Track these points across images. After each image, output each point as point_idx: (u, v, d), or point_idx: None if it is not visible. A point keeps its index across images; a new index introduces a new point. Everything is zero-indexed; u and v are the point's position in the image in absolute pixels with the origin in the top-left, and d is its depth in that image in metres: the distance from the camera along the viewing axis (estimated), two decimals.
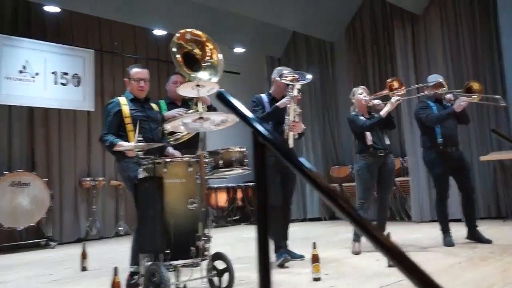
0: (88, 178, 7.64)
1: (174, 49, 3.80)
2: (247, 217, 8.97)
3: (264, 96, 4.36)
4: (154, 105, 3.86)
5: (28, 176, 6.68)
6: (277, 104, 4.11)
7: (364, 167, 4.56)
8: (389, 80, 4.85)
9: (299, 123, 4.09)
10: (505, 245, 4.43)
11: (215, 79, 4.13)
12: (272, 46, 8.91)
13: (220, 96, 1.30)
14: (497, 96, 4.93)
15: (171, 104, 4.19)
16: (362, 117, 4.67)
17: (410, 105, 6.93)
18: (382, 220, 4.71)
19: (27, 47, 6.75)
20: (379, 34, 7.97)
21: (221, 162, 3.39)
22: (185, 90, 3.13)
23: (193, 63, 4.03)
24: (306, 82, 3.99)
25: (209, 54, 3.69)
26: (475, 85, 4.81)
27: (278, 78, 4.14)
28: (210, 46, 3.70)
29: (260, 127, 1.24)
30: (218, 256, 3.22)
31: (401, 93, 4.66)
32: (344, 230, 4.74)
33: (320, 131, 8.71)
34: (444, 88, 4.74)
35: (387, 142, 4.69)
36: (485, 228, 5.60)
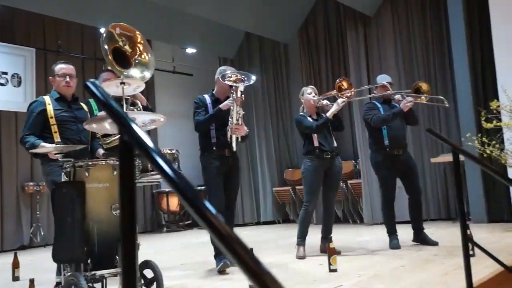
0: (31, 183, 7.27)
1: (105, 45, 3.60)
2: None
3: (207, 96, 4.20)
4: (83, 105, 3.62)
5: None
6: (220, 106, 3.96)
7: (310, 169, 4.46)
8: (337, 80, 4.77)
9: (242, 126, 3.97)
10: (451, 246, 4.39)
11: (147, 77, 3.94)
12: (224, 47, 8.75)
13: (88, 88, 1.13)
14: (441, 97, 4.92)
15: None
16: (309, 118, 4.55)
17: (362, 106, 6.90)
18: (328, 223, 4.62)
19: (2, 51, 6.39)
20: (332, 35, 7.93)
21: (150, 165, 3.19)
22: (110, 88, 2.92)
23: (123, 60, 3.82)
24: (249, 83, 3.86)
25: (139, 52, 3.51)
26: (423, 86, 4.78)
27: (221, 79, 3.97)
28: (141, 43, 3.52)
29: (130, 123, 1.07)
30: (146, 264, 3.02)
31: (349, 94, 4.58)
32: (295, 234, 4.61)
33: (274, 133, 8.59)
34: (388, 92, 4.69)
35: (335, 144, 4.59)
36: (434, 230, 5.64)
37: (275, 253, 4.91)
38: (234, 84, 3.79)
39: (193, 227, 8.70)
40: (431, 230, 5.83)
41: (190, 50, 8.62)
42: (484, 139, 5.58)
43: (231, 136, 3.94)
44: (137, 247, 2.95)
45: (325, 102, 4.54)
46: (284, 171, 8.50)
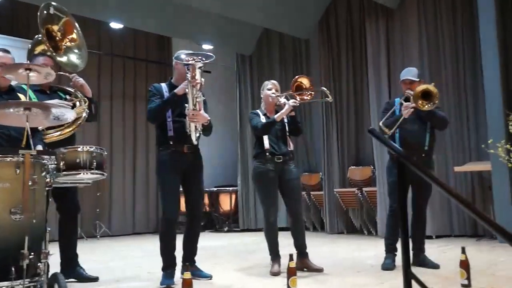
0: None
1: (41, 28, 3.31)
2: (213, 224, 8.39)
3: (164, 85, 3.70)
4: (21, 96, 3.31)
5: None
6: (175, 90, 3.47)
7: (259, 173, 3.98)
8: (297, 77, 4.20)
9: (199, 113, 3.41)
10: (454, 272, 3.69)
11: (82, 65, 3.62)
12: (242, 43, 8.33)
13: None
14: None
15: (39, 92, 3.54)
16: (263, 117, 4.04)
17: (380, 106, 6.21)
18: (297, 236, 4.04)
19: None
20: (354, 29, 7.26)
21: (62, 164, 2.82)
22: (11, 74, 2.57)
23: (53, 43, 3.49)
24: (206, 61, 3.32)
25: (70, 36, 3.18)
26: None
27: (175, 60, 3.51)
28: (71, 25, 3.20)
29: None
30: (55, 278, 2.66)
31: (308, 98, 4.07)
32: (286, 244, 4.14)
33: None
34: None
35: (290, 148, 4.07)
36: (452, 247, 5.04)
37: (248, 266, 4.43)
38: (189, 63, 3.27)
39: (205, 230, 8.33)
40: (448, 247, 5.14)
41: (206, 46, 8.31)
42: (508, 146, 4.82)
43: (189, 125, 3.43)
44: (46, 256, 2.63)
45: (283, 100, 3.99)
46: (301, 175, 7.95)
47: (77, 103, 3.49)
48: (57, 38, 3.26)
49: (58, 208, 3.60)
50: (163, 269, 3.53)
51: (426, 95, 3.88)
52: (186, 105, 3.39)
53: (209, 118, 3.53)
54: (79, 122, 3.46)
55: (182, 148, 3.51)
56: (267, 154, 3.94)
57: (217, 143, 8.17)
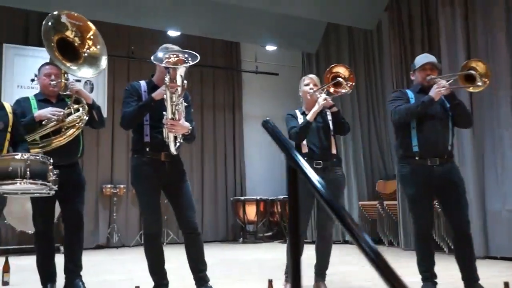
0: (109, 185, 7.47)
1: (49, 35, 3.29)
2: (283, 234, 7.98)
3: (143, 83, 3.20)
4: (7, 105, 3.15)
5: None
6: (153, 94, 3.01)
7: None
8: (331, 66, 3.60)
9: (178, 123, 2.93)
10: None
11: (95, 73, 3.52)
12: (306, 41, 7.91)
13: None
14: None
15: (43, 102, 3.40)
16: (301, 117, 3.54)
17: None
18: (322, 254, 3.49)
19: (39, 56, 6.73)
20: (430, 11, 6.37)
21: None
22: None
23: (70, 52, 3.47)
24: (189, 64, 2.84)
25: (90, 43, 3.10)
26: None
27: (155, 61, 2.95)
28: (91, 33, 3.12)
29: None
30: None
31: (344, 90, 3.49)
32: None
33: (364, 136, 7.42)
34: (432, 76, 3.37)
35: (333, 151, 3.50)
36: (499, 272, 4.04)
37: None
38: (171, 66, 2.79)
39: (274, 240, 7.99)
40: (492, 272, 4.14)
41: (270, 48, 7.99)
42: None
43: (168, 135, 2.99)
44: None
45: (321, 95, 3.45)
46: (376, 182, 7.25)
47: (80, 109, 3.37)
48: (76, 44, 3.20)
49: (62, 217, 3.52)
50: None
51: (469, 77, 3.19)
52: (164, 112, 2.93)
53: (190, 127, 3.05)
54: (77, 126, 3.34)
55: (159, 156, 3.05)
56: (305, 159, 3.45)
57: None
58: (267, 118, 1.36)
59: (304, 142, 3.45)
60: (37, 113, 3.28)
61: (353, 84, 3.53)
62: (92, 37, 3.46)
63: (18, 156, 2.70)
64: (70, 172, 3.34)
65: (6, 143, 3.02)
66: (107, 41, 7.34)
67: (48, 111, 3.28)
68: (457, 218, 3.20)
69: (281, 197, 7.85)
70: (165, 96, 2.90)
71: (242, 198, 7.89)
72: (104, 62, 3.49)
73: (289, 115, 3.58)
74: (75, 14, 3.37)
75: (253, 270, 4.80)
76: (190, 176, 7.97)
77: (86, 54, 3.41)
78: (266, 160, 8.56)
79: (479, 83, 3.25)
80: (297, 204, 1.18)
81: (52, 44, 3.37)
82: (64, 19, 3.34)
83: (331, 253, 3.52)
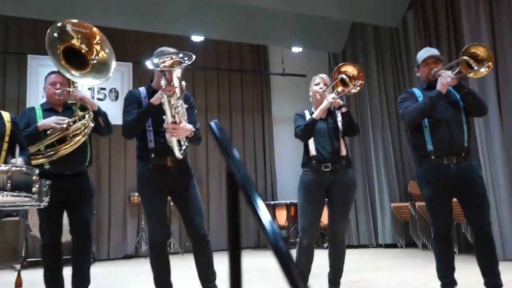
0: (137, 194, 7.48)
1: (54, 45, 3.30)
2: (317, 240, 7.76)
3: (142, 89, 3.14)
4: (5, 114, 3.13)
5: None
6: (151, 100, 2.95)
7: (302, 186, 3.35)
8: (340, 65, 3.48)
9: (179, 126, 2.86)
10: None
11: (102, 81, 3.49)
12: (332, 41, 7.74)
13: None
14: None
15: (49, 111, 3.39)
16: (310, 117, 3.41)
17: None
18: (334, 260, 3.34)
19: None
20: (455, 5, 6.12)
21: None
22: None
23: (78, 60, 3.46)
24: (185, 65, 2.76)
25: (98, 49, 3.09)
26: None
27: (150, 66, 2.82)
28: (97, 38, 3.11)
29: None
30: None
31: (352, 89, 3.36)
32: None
33: (394, 136, 7.17)
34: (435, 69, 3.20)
35: (343, 153, 3.35)
36: None
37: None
38: (167, 69, 2.71)
39: None
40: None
41: (296, 49, 7.84)
42: None
43: (170, 140, 2.92)
44: None
45: (330, 95, 3.31)
46: (409, 183, 6.96)
47: (86, 116, 3.35)
48: (83, 51, 3.19)
49: (70, 227, 3.43)
50: None
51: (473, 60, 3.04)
52: (164, 117, 2.87)
53: (193, 129, 2.96)
54: (83, 133, 3.31)
55: (164, 162, 2.98)
56: (313, 162, 3.33)
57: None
58: (215, 120, 1.28)
59: (312, 145, 3.35)
60: (41, 122, 3.27)
61: (362, 82, 3.39)
62: (99, 42, 3.41)
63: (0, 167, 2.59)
64: (78, 181, 3.30)
65: (3, 153, 2.99)
66: (130, 48, 7.50)
67: (52, 120, 3.26)
68: (476, 219, 3.02)
69: None
70: (162, 100, 2.83)
71: (272, 202, 7.74)
72: (112, 67, 3.44)
73: (297, 115, 3.51)
74: (80, 22, 3.35)
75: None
76: (219, 181, 7.99)
77: (95, 61, 3.37)
78: (297, 163, 8.35)
79: (482, 69, 3.09)
80: (237, 213, 1.04)
81: (58, 52, 3.35)
82: (69, 28, 3.32)
83: (345, 260, 3.37)
